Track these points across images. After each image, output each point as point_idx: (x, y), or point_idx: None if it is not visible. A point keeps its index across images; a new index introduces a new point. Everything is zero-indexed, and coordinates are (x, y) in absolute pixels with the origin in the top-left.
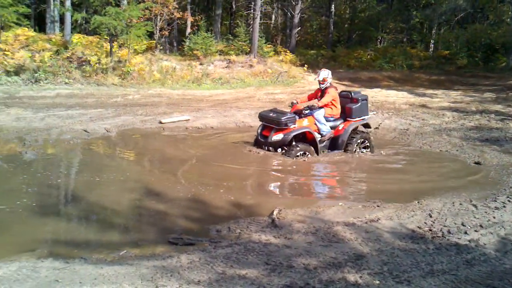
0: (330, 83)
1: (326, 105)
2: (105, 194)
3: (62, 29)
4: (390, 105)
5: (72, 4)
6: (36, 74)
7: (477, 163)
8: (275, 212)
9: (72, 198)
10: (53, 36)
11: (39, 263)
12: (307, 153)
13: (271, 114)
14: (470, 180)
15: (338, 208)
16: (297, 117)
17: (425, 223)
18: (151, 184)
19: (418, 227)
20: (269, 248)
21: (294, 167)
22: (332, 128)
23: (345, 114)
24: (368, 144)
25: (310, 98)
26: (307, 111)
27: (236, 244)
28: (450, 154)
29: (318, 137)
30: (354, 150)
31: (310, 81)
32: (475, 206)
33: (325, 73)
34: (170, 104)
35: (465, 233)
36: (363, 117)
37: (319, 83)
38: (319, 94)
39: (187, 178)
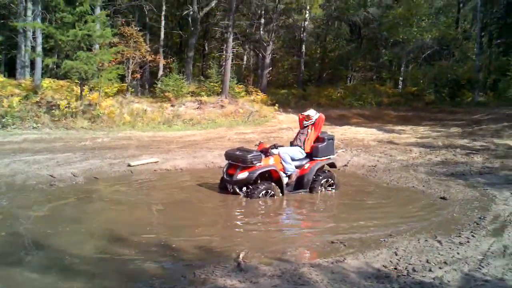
0: (312, 123)
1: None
2: (69, 242)
3: (32, 74)
4: (359, 142)
5: (43, 49)
6: (3, 120)
7: (443, 198)
8: (241, 255)
9: (34, 247)
10: (23, 81)
11: None
12: (270, 191)
13: (237, 152)
14: (436, 216)
15: (305, 248)
16: (263, 155)
17: (390, 261)
18: (117, 231)
19: (383, 265)
20: None
21: (260, 207)
22: (297, 167)
23: (311, 153)
24: (333, 182)
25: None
26: (274, 150)
27: None
28: (416, 190)
29: (283, 176)
30: (319, 189)
31: (280, 120)
32: (439, 242)
33: (312, 112)
34: (140, 147)
35: (430, 270)
36: (329, 157)
37: (304, 120)
38: (301, 127)
39: (153, 223)
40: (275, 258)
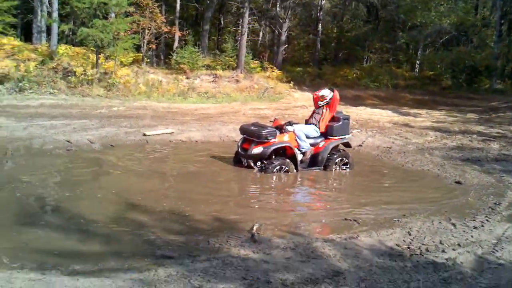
0: (327, 103)
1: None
2: (85, 206)
3: (48, 40)
4: (374, 123)
5: (60, 15)
6: (20, 84)
7: (458, 182)
8: (254, 227)
9: (51, 209)
10: (39, 46)
11: (15, 274)
12: (284, 167)
13: (252, 128)
14: (450, 199)
15: (318, 224)
16: (278, 131)
17: (403, 240)
18: (132, 198)
19: (396, 244)
20: (247, 263)
21: (274, 182)
22: (312, 145)
23: (326, 132)
24: (347, 161)
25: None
26: (288, 127)
27: (215, 259)
28: (431, 173)
29: (298, 153)
30: (333, 167)
31: (296, 97)
32: (453, 225)
33: (326, 92)
34: (155, 117)
35: (443, 251)
36: (344, 136)
37: (318, 100)
38: (315, 110)
39: (168, 193)
40: (288, 232)
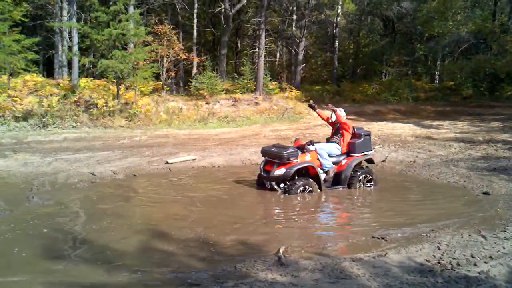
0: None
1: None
2: (111, 238)
3: (70, 74)
4: (396, 138)
5: (80, 49)
6: (44, 119)
7: (485, 193)
8: (281, 250)
9: (77, 242)
10: (61, 81)
11: None
12: (308, 187)
13: (273, 149)
14: (479, 211)
15: (345, 243)
16: (299, 152)
17: (433, 256)
18: (158, 227)
19: (426, 260)
20: (275, 287)
21: (299, 203)
22: (335, 163)
23: (348, 150)
24: (371, 178)
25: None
26: (310, 146)
27: (242, 284)
28: (457, 185)
29: (321, 172)
30: (357, 185)
31: (315, 117)
32: (484, 237)
33: (342, 112)
34: (177, 144)
35: (475, 264)
36: (366, 153)
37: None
38: (334, 129)
39: (193, 219)
40: (315, 253)
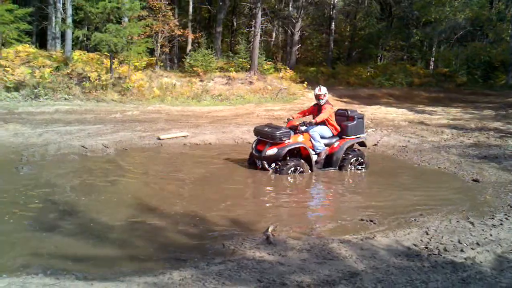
0: (327, 101)
1: (325, 122)
2: (99, 211)
3: (63, 46)
4: (389, 122)
5: (73, 21)
6: (35, 90)
7: (475, 180)
8: (269, 229)
9: (66, 214)
10: (54, 53)
11: (29, 279)
12: (299, 168)
13: (266, 129)
14: (468, 198)
15: (334, 225)
16: (292, 132)
17: (421, 240)
18: (147, 202)
19: (414, 244)
20: (262, 265)
21: (289, 183)
22: (327, 145)
23: (341, 132)
24: (362, 161)
25: (304, 113)
26: (302, 127)
27: (229, 261)
28: (448, 171)
29: (313, 153)
30: (348, 167)
31: (309, 97)
32: (472, 223)
33: (324, 89)
34: (169, 120)
35: (462, 250)
36: (358, 136)
37: (318, 98)
38: (316, 110)
39: (182, 196)
40: (303, 233)
